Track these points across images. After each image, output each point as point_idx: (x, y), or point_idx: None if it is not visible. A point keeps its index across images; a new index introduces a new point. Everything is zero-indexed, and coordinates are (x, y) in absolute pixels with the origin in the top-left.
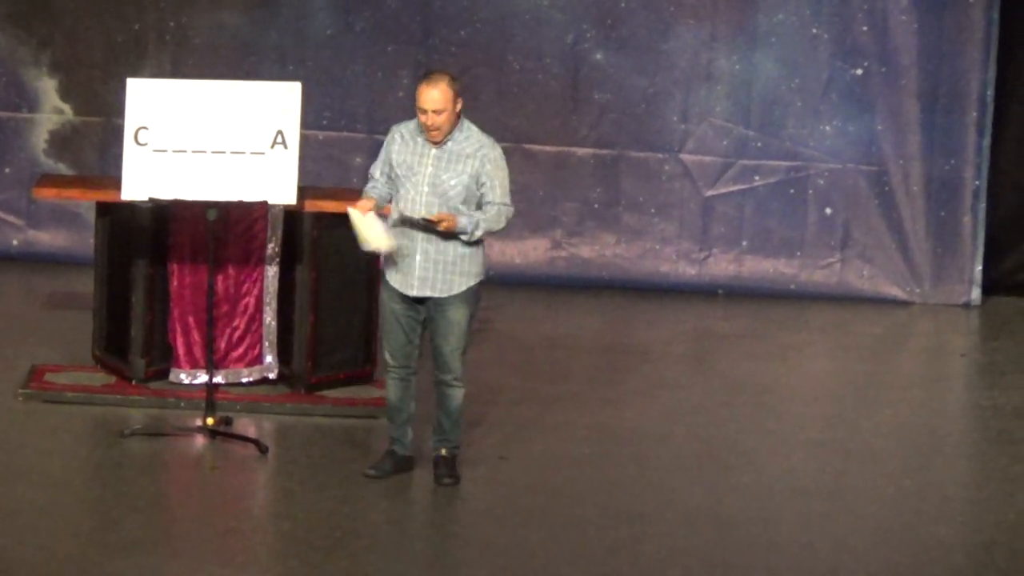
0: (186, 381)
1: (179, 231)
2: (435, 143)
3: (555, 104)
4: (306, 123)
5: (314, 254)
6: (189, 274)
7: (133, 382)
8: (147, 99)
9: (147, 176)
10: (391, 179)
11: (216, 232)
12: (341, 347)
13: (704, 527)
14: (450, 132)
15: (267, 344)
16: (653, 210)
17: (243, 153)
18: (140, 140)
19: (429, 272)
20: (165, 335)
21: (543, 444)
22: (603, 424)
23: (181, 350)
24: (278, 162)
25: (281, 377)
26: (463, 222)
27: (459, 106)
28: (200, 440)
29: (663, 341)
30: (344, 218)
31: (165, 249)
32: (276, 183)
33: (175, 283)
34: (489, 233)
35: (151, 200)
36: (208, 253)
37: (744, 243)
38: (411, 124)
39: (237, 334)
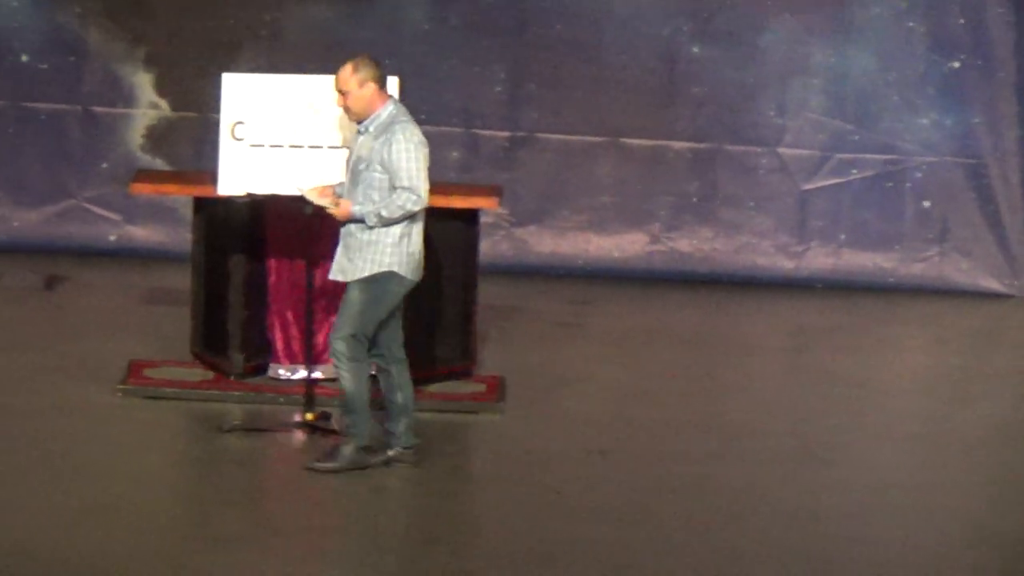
0: (285, 376)
1: (276, 226)
2: (360, 130)
3: (651, 98)
4: None
5: None
6: (287, 269)
7: (231, 377)
8: (243, 94)
9: (244, 171)
10: None
11: (313, 226)
12: (439, 342)
13: (801, 522)
14: (366, 116)
15: None
16: (751, 204)
17: (339, 148)
18: (236, 135)
19: (343, 258)
20: (263, 330)
21: (643, 439)
22: (700, 418)
23: (280, 345)
24: None
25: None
26: (356, 209)
27: (367, 90)
28: (299, 435)
29: (760, 335)
30: (440, 212)
31: (262, 244)
32: None
33: (273, 278)
34: (391, 220)
35: (248, 195)
36: (305, 248)
37: (842, 237)
38: None
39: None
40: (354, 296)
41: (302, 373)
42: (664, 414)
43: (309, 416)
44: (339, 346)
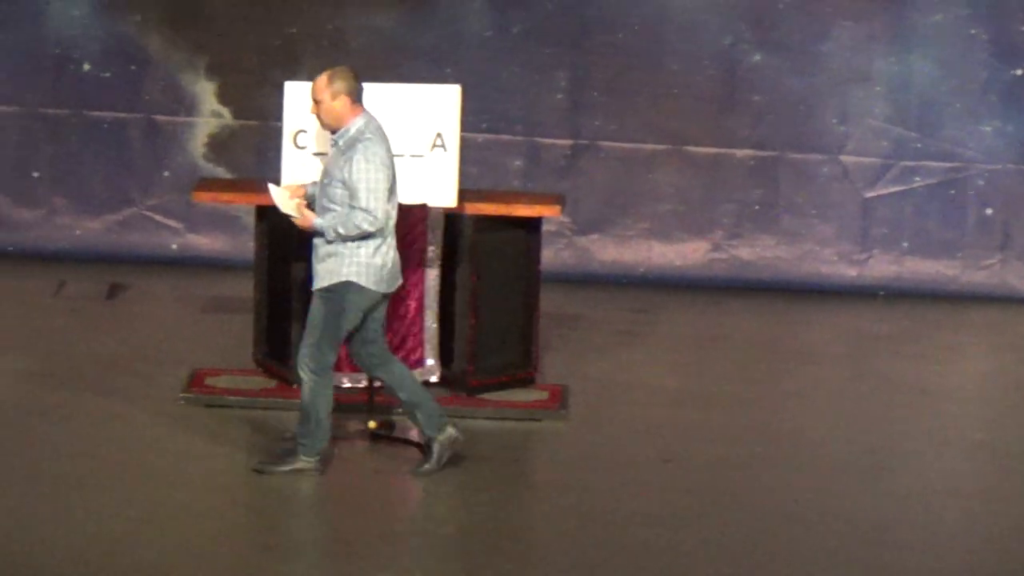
0: (347, 384)
1: None
2: (332, 143)
3: (712, 106)
4: (464, 126)
5: (474, 256)
6: None
7: (294, 385)
8: (306, 102)
9: (306, 180)
10: None
11: None
12: (501, 349)
13: (862, 529)
14: (338, 128)
15: (428, 347)
16: (812, 212)
17: (402, 156)
18: (299, 143)
19: (316, 266)
20: None
21: (703, 446)
22: (762, 426)
23: (342, 353)
24: (438, 164)
25: (442, 380)
26: (317, 222)
27: (339, 102)
28: (361, 444)
29: (822, 343)
30: (503, 221)
31: None
32: (436, 185)
33: None
34: (348, 237)
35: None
36: None
37: (904, 244)
38: None
39: (398, 337)
40: (316, 307)
41: (364, 382)
42: (726, 422)
43: (371, 424)
44: (302, 355)
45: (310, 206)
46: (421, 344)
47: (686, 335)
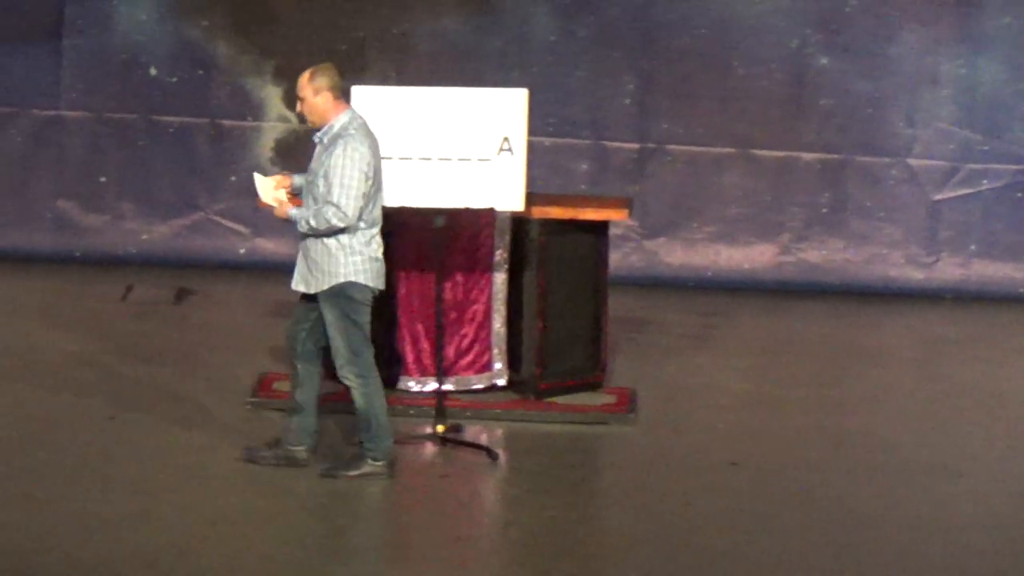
0: (415, 389)
1: (405, 238)
2: (315, 140)
3: (780, 109)
4: (531, 129)
5: (542, 260)
6: (416, 282)
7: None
8: (372, 106)
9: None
10: None
11: (443, 239)
12: (570, 353)
13: (931, 533)
14: (322, 125)
15: (496, 351)
16: (880, 215)
17: (469, 160)
18: None
19: (303, 271)
20: (393, 343)
21: (771, 449)
22: (831, 429)
23: (410, 358)
24: (505, 168)
25: (510, 384)
26: (292, 212)
27: (321, 98)
28: (430, 447)
29: (891, 345)
30: (570, 224)
31: (392, 257)
32: (503, 189)
33: (402, 291)
34: (319, 231)
35: None
36: (435, 260)
37: (972, 247)
38: None
39: (466, 341)
40: (328, 314)
41: (432, 385)
42: (794, 425)
43: (440, 428)
44: (340, 366)
45: (296, 197)
46: (489, 348)
47: (754, 338)
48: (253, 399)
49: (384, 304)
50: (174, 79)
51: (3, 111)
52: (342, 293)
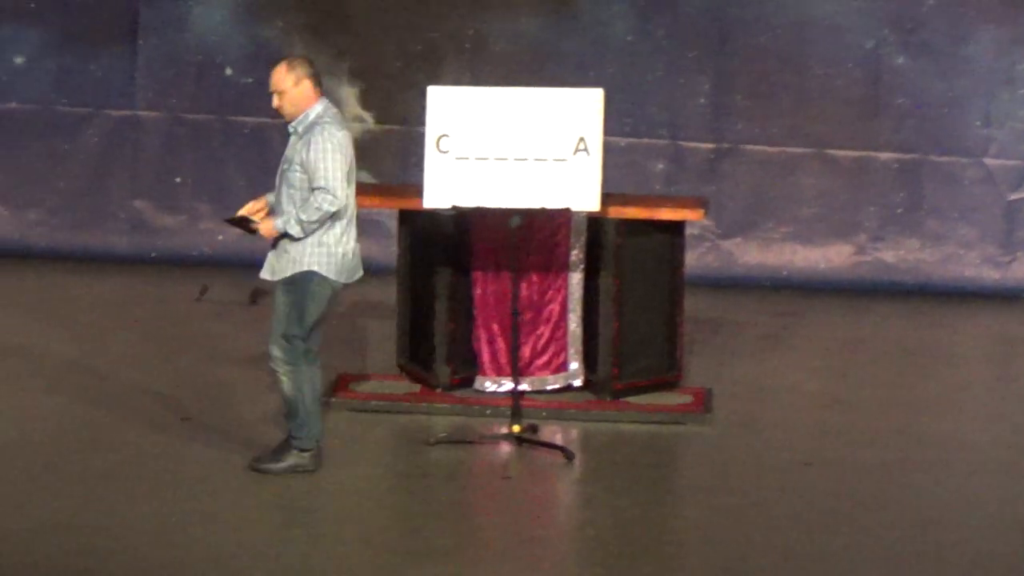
0: (491, 389)
1: (481, 238)
2: (290, 131)
3: (856, 109)
4: (607, 129)
5: (618, 261)
6: (492, 281)
7: (438, 390)
8: (448, 107)
9: (449, 184)
10: None
11: (519, 239)
12: (645, 353)
13: (1008, 534)
14: (298, 116)
15: (572, 351)
16: (956, 215)
17: (545, 160)
18: (441, 148)
19: (274, 258)
20: (469, 343)
21: (847, 449)
22: (907, 429)
23: (486, 357)
24: (581, 169)
25: (586, 384)
26: (278, 224)
27: (303, 87)
28: (505, 448)
29: (966, 346)
30: (646, 224)
31: (468, 257)
32: (579, 190)
33: (478, 291)
34: (312, 223)
35: (453, 208)
36: (511, 260)
37: None
38: None
39: (542, 341)
40: (279, 299)
41: (508, 385)
42: (869, 425)
43: (516, 428)
44: (273, 351)
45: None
46: (565, 348)
47: (829, 338)
48: (329, 399)
49: (460, 304)
50: (249, 80)
51: (79, 112)
52: (300, 281)
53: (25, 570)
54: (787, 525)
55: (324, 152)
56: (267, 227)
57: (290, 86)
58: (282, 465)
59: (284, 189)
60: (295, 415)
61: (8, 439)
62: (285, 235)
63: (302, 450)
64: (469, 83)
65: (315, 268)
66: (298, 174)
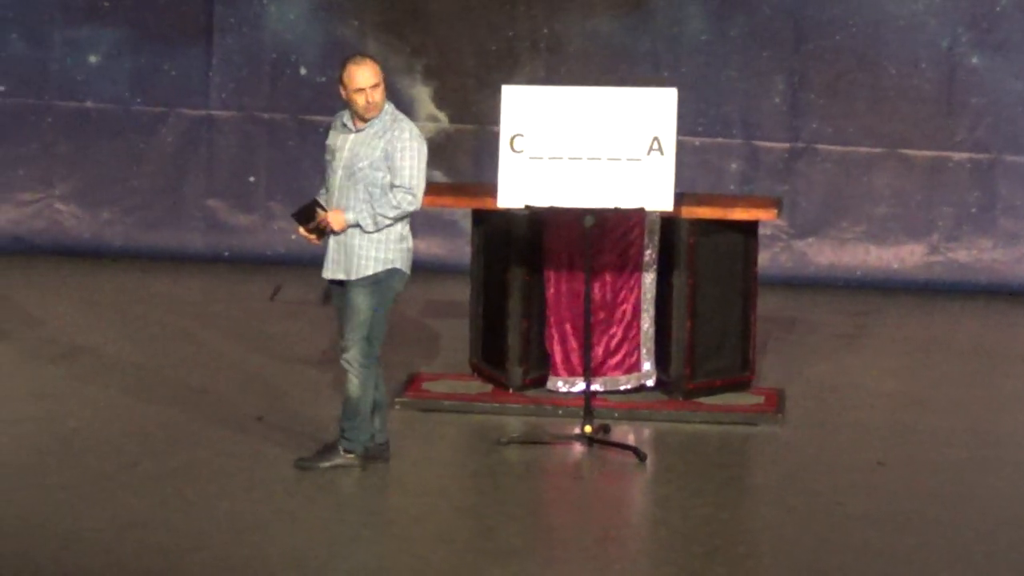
0: (563, 389)
1: (554, 238)
2: (355, 129)
3: (931, 109)
4: (682, 129)
5: (691, 260)
6: (565, 281)
7: (510, 390)
8: (522, 106)
9: (523, 183)
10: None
11: (592, 239)
12: (718, 353)
13: None
14: (378, 111)
15: (645, 351)
16: None
17: (619, 160)
18: (516, 147)
19: (340, 255)
20: (542, 343)
21: (921, 449)
22: (981, 429)
23: (558, 358)
24: (654, 168)
25: (658, 384)
26: (351, 216)
27: (384, 85)
28: (578, 448)
29: None
30: (719, 224)
31: (541, 256)
32: (652, 189)
33: (551, 290)
34: (386, 221)
35: (527, 207)
36: (584, 260)
37: None
38: (345, 113)
39: (615, 341)
40: (361, 300)
41: (580, 386)
42: (944, 424)
43: (588, 429)
44: (351, 352)
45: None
46: (638, 348)
47: (904, 338)
48: (402, 399)
49: (533, 303)
50: (323, 79)
51: (154, 111)
52: (386, 279)
53: (103, 569)
54: (860, 525)
55: (414, 152)
56: (339, 219)
57: (381, 81)
58: (326, 464)
59: (357, 186)
60: (355, 416)
61: (85, 438)
62: (348, 233)
63: (349, 452)
64: (544, 82)
65: (399, 265)
66: (380, 173)
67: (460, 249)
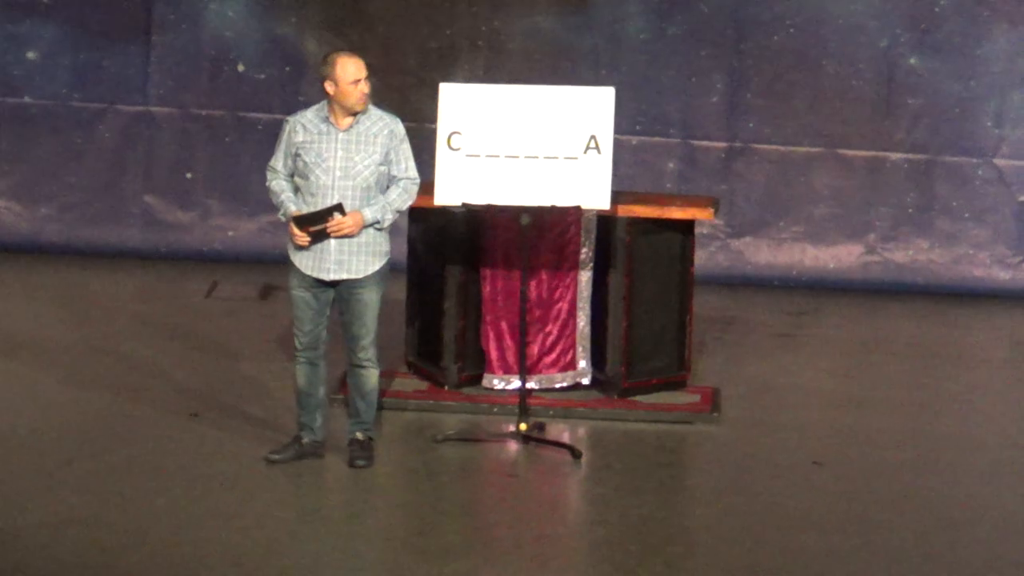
0: (499, 387)
1: (491, 236)
2: (342, 129)
3: (869, 109)
4: (619, 128)
5: (627, 259)
6: (502, 279)
7: (446, 388)
8: (460, 104)
9: (460, 181)
10: (295, 171)
11: (529, 237)
12: (654, 352)
13: (1020, 534)
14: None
15: (580, 349)
16: (967, 215)
17: (556, 158)
18: (453, 145)
19: (344, 255)
20: (478, 341)
21: (858, 449)
22: (918, 429)
23: (494, 356)
24: (592, 167)
25: (594, 382)
26: (369, 215)
27: None
28: (513, 446)
29: (978, 347)
30: (656, 223)
31: (477, 254)
32: (589, 188)
33: (487, 288)
34: (400, 213)
35: (464, 205)
36: (521, 258)
37: None
38: (308, 113)
39: (550, 339)
40: (372, 296)
41: (516, 384)
42: (880, 425)
43: (523, 427)
44: (369, 350)
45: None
46: (573, 346)
47: (840, 338)
48: (337, 396)
49: (469, 301)
50: (263, 76)
51: (93, 107)
52: (386, 273)
53: (41, 565)
54: (796, 525)
55: (407, 142)
56: (357, 219)
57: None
58: (373, 459)
59: (357, 187)
60: (376, 408)
61: (22, 433)
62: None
63: (371, 437)
64: (484, 80)
65: (390, 255)
66: (383, 167)
67: (396, 248)
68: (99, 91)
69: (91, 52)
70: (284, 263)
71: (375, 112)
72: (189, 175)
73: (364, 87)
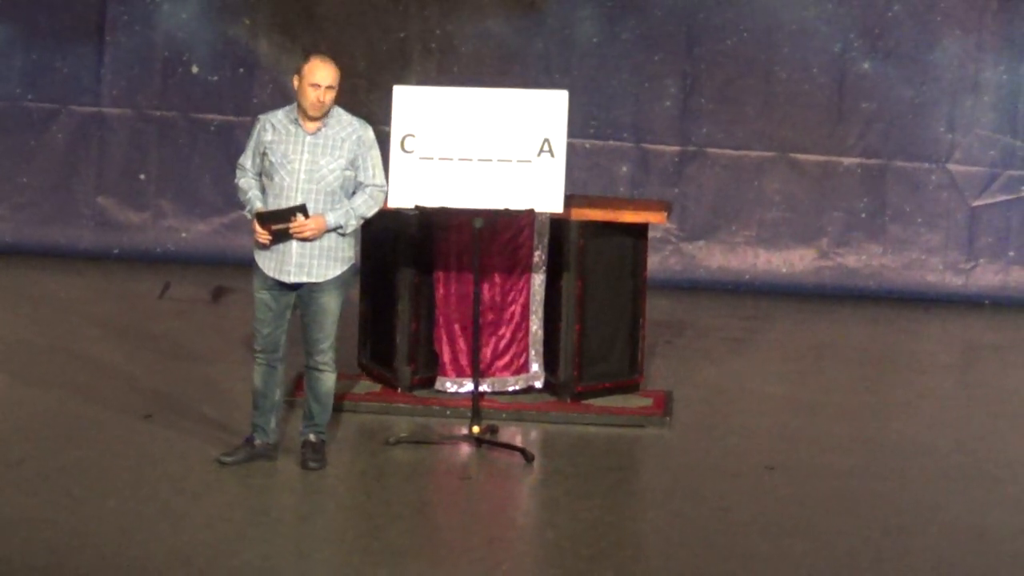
0: (452, 389)
1: (445, 239)
2: (309, 131)
3: (821, 114)
4: (572, 132)
5: (580, 262)
6: (455, 282)
7: (399, 390)
8: (413, 107)
9: (413, 184)
10: (263, 170)
11: (482, 240)
12: (607, 356)
13: (969, 540)
14: (325, 113)
15: (533, 352)
16: (919, 220)
17: (510, 161)
18: (406, 148)
19: (305, 259)
20: (430, 343)
21: (809, 454)
22: (869, 435)
23: (447, 358)
24: (545, 170)
25: (547, 386)
26: (332, 220)
27: None
28: (466, 448)
29: (929, 351)
30: (609, 227)
31: (431, 257)
32: (543, 191)
33: (441, 291)
34: (364, 219)
35: (417, 208)
36: (474, 261)
37: (1011, 254)
38: (279, 113)
39: (503, 342)
40: (332, 301)
41: (469, 386)
42: (831, 430)
43: (475, 429)
44: (329, 353)
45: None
46: (526, 350)
47: (791, 343)
48: (290, 398)
49: (422, 304)
50: (215, 77)
51: (45, 108)
52: (350, 277)
53: None
54: (747, 530)
55: (377, 149)
56: (320, 223)
57: (337, 87)
58: (325, 462)
59: (321, 190)
60: (330, 411)
61: None
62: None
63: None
64: (436, 83)
65: (354, 260)
66: (349, 172)
67: None
68: (52, 92)
69: (43, 52)
70: (237, 265)
71: (345, 117)
72: (142, 176)
73: (324, 95)
